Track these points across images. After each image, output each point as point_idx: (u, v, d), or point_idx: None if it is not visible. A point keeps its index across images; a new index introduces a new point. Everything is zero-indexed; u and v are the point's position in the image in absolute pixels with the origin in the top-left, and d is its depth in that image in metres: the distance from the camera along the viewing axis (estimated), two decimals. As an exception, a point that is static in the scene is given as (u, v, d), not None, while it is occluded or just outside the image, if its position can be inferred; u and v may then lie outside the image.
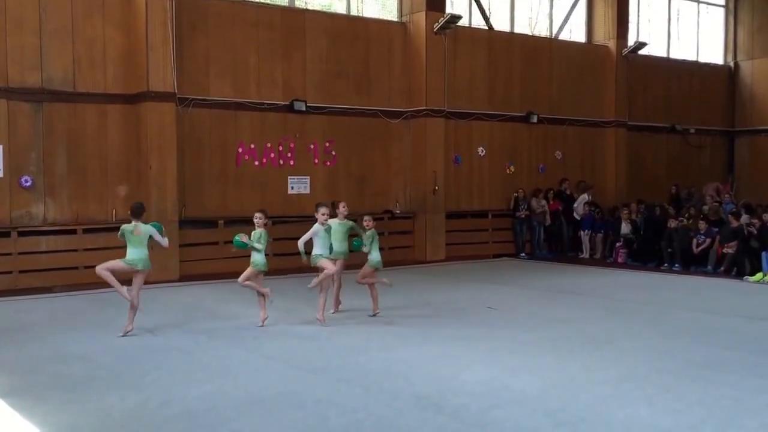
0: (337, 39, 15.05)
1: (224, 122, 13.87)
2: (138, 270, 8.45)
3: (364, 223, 9.44)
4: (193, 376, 6.72)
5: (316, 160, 14.94)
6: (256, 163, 14.23)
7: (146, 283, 12.21)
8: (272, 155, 14.40)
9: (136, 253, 8.38)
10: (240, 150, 14.05)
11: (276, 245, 14.23)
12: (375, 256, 9.45)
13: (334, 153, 15.12)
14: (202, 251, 13.33)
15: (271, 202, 14.35)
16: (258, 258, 8.89)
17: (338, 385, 6.39)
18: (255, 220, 8.99)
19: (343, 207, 9.48)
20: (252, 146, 14.18)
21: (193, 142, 13.50)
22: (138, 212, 8.52)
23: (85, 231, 12.50)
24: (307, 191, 14.81)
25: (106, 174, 12.84)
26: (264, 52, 14.22)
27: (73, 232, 12.42)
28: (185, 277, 12.71)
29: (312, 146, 14.86)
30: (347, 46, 15.18)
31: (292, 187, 14.67)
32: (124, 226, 8.55)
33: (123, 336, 8.30)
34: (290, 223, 14.46)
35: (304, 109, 14.54)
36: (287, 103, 14.45)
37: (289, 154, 14.59)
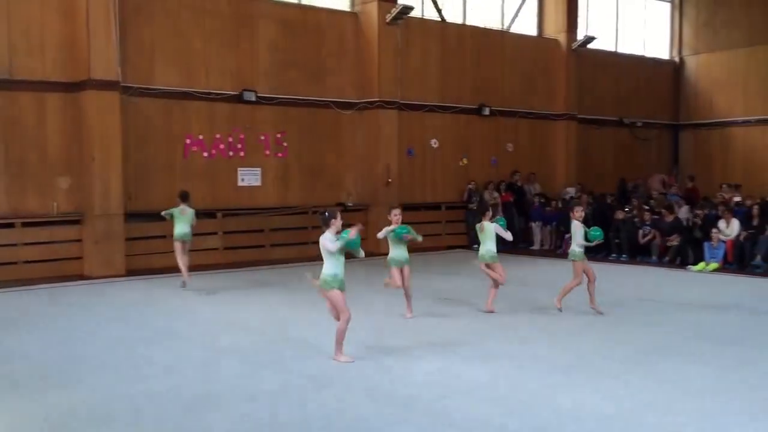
0: (288, 28, 14.84)
1: (171, 112, 13.54)
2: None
3: (394, 218, 8.80)
4: (138, 372, 6.56)
5: (268, 152, 14.73)
6: (205, 154, 13.94)
7: (90, 278, 12.03)
8: (222, 146, 14.14)
9: None
10: (188, 141, 13.75)
11: (226, 239, 14.05)
12: (400, 253, 8.89)
13: (285, 144, 14.93)
14: (149, 245, 13.01)
15: (220, 195, 14.15)
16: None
17: (289, 379, 6.31)
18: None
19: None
20: (200, 137, 13.89)
21: (138, 132, 13.14)
22: None
23: (25, 225, 12.07)
24: (258, 183, 14.61)
25: (45, 165, 12.41)
26: (212, 40, 13.93)
27: (11, 225, 11.97)
28: (131, 272, 12.38)
29: (263, 137, 14.64)
30: (298, 35, 14.99)
31: (243, 179, 14.43)
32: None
33: None
34: (241, 215, 14.27)
35: (254, 99, 14.31)
36: (237, 92, 14.19)
37: (240, 146, 14.35)
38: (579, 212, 9.15)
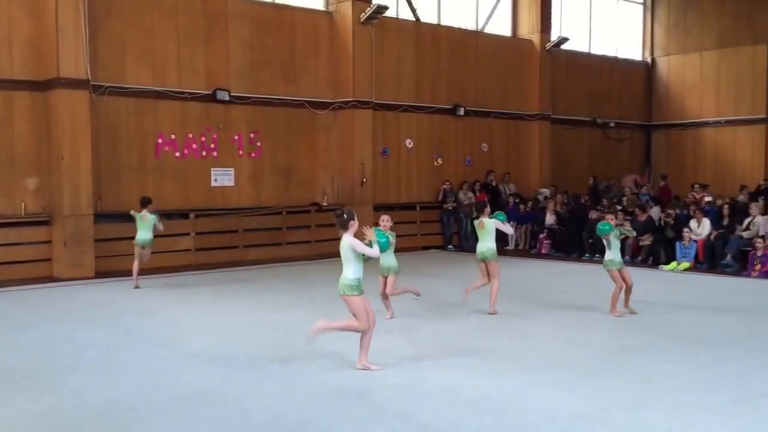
0: (261, 27, 14.73)
1: (142, 111, 13.37)
2: None
3: (383, 224, 8.57)
4: (109, 375, 6.45)
5: (241, 152, 14.61)
6: (177, 154, 13.79)
7: (60, 280, 11.83)
8: (194, 146, 13.99)
9: None
10: (160, 141, 13.58)
11: (199, 240, 13.91)
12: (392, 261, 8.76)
13: (259, 144, 14.82)
14: (119, 246, 12.80)
15: (193, 195, 14.01)
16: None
17: (261, 381, 6.26)
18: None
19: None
20: (173, 137, 13.73)
21: (108, 131, 12.95)
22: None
23: (-8, 225, 11.84)
24: (232, 183, 14.48)
25: (13, 165, 12.18)
26: (184, 38, 13.77)
27: (-22, 226, 11.74)
28: (101, 274, 12.19)
29: (236, 137, 14.52)
30: (272, 34, 14.89)
31: (216, 180, 14.29)
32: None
33: None
34: (214, 216, 14.13)
35: (227, 98, 14.18)
36: (210, 92, 14.05)
37: (212, 145, 14.21)
38: (613, 221, 9.09)
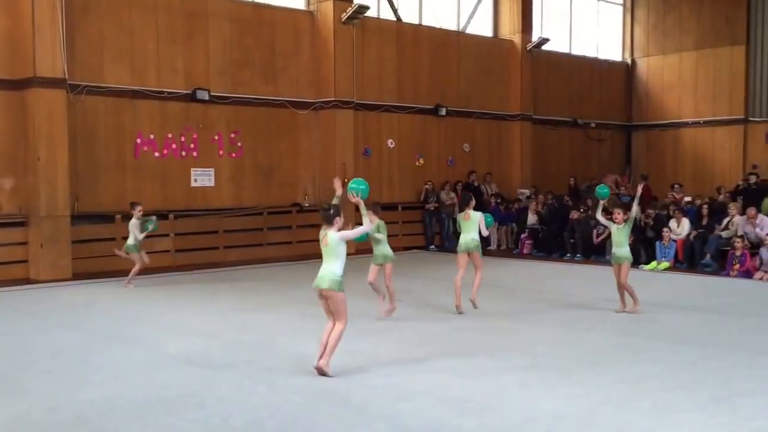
0: (242, 26, 14.63)
1: (121, 111, 13.21)
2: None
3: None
4: (85, 378, 6.35)
5: (221, 152, 14.49)
6: (156, 154, 13.64)
7: (36, 282, 11.65)
8: (174, 146, 13.85)
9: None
10: (139, 140, 13.43)
11: (179, 241, 13.77)
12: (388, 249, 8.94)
13: (239, 144, 14.71)
14: (97, 247, 12.65)
15: (172, 196, 13.86)
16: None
17: (241, 383, 6.18)
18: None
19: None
20: (152, 136, 13.58)
21: (86, 131, 12.78)
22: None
23: (-33, 226, 11.64)
24: (212, 183, 14.36)
25: (-12, 166, 11.99)
26: (164, 37, 13.63)
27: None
28: (79, 276, 12.02)
29: (216, 137, 14.40)
30: (253, 33, 14.79)
31: (196, 180, 14.16)
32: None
33: None
34: (194, 217, 14.00)
35: (207, 98, 14.05)
36: (189, 91, 13.92)
37: (192, 145, 14.07)
38: (620, 215, 9.17)
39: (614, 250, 9.25)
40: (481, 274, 9.15)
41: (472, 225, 9.04)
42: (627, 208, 9.26)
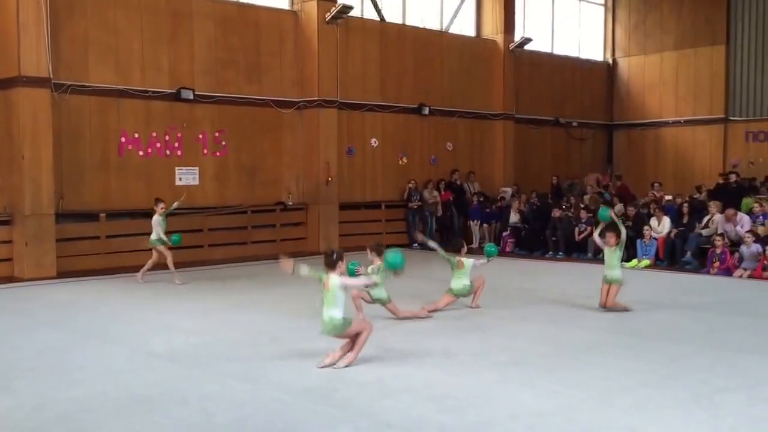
0: (226, 26, 14.64)
1: (106, 110, 13.19)
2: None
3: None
4: (69, 377, 6.37)
5: (206, 151, 14.51)
6: (141, 153, 13.64)
7: (21, 280, 11.62)
8: (158, 145, 13.85)
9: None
10: (123, 139, 13.42)
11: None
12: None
13: (224, 143, 14.73)
14: (81, 246, 12.65)
15: (157, 194, 13.77)
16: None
17: (225, 381, 6.23)
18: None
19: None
20: (136, 135, 13.57)
21: (71, 130, 12.76)
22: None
23: (-49, 226, 11.59)
24: (196, 182, 14.38)
25: (-28, 165, 11.95)
26: (148, 36, 13.62)
27: (-64, 227, 11.48)
28: (63, 274, 11.99)
29: (201, 136, 14.42)
30: (237, 33, 14.80)
31: (180, 179, 14.17)
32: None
33: None
34: (178, 215, 13.98)
35: (191, 97, 14.06)
36: (174, 90, 13.92)
37: (177, 144, 14.08)
38: (613, 239, 9.19)
39: (606, 272, 9.29)
40: (480, 293, 9.40)
41: (465, 273, 9.22)
42: (616, 228, 9.35)
